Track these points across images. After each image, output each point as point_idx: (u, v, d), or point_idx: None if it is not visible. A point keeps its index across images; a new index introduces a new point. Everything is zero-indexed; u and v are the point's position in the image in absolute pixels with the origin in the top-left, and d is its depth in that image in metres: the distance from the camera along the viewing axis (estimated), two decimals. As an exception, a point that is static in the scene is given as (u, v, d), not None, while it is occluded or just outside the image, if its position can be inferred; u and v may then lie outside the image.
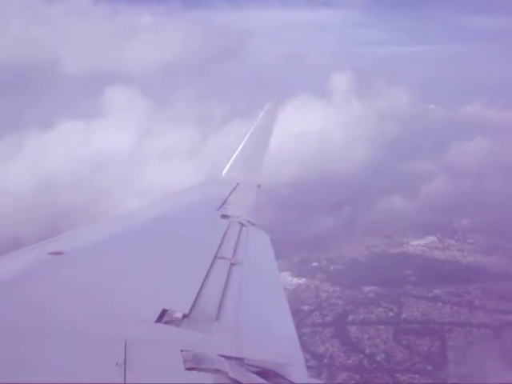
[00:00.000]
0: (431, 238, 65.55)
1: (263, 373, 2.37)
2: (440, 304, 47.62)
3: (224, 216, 5.79)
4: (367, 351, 40.76)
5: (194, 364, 2.19)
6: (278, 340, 3.28)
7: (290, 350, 3.13)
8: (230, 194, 7.03)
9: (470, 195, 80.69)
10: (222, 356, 2.35)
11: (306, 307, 50.00)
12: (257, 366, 2.40)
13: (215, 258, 4.17)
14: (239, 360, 2.40)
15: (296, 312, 48.81)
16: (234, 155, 8.98)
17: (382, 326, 44.60)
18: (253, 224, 5.87)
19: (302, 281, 56.34)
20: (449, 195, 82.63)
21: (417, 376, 36.73)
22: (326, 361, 39.88)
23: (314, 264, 61.12)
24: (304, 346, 41.82)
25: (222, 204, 6.42)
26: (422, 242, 64.84)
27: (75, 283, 3.16)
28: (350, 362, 39.44)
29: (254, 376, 2.32)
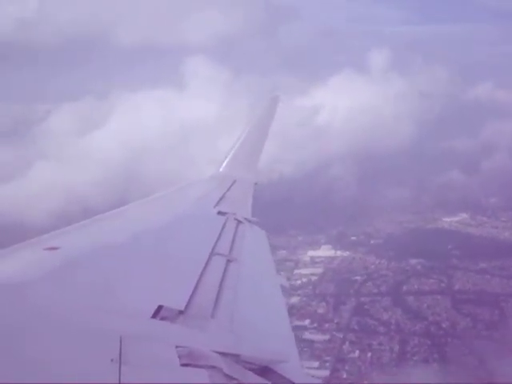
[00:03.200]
0: (463, 215, 67.64)
1: (258, 369, 2.41)
2: (488, 276, 49.69)
3: (221, 213, 5.83)
4: (431, 319, 42.83)
5: (189, 360, 2.21)
6: (274, 337, 3.35)
7: (286, 346, 3.22)
8: (227, 191, 7.09)
9: (495, 174, 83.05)
10: (218, 352, 2.36)
11: (358, 278, 51.97)
12: (252, 363, 2.42)
13: (212, 254, 4.19)
14: (234, 356, 2.41)
15: (350, 282, 50.91)
16: (232, 152, 9.01)
17: (439, 296, 46.58)
18: (249, 221, 5.95)
19: (347, 254, 58.14)
20: (474, 174, 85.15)
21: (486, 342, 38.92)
22: (393, 327, 42.01)
23: (353, 238, 62.93)
24: (368, 314, 44.04)
25: (219, 201, 6.48)
26: (454, 218, 66.88)
27: (70, 279, 3.15)
28: (417, 328, 41.41)
29: (249, 373, 2.34)
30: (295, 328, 42.41)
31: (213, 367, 2.19)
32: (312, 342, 40.34)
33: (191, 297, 3.16)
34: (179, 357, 2.21)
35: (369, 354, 38.13)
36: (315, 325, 42.99)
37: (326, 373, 36.47)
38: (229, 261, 4.20)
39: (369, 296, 47.76)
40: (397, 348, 38.88)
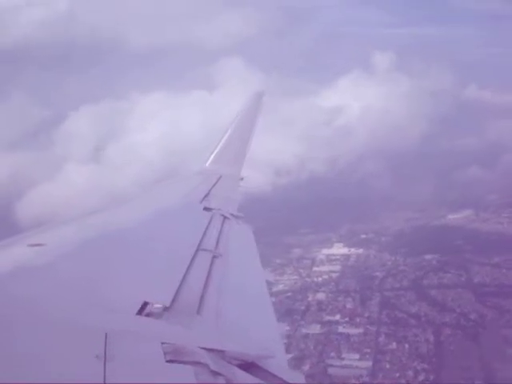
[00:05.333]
0: (467, 212, 69.46)
1: (244, 365, 2.40)
2: (504, 270, 51.18)
3: (207, 208, 5.79)
4: (458, 311, 44.14)
5: (175, 356, 2.20)
6: (260, 332, 3.32)
7: (271, 342, 3.19)
8: (213, 187, 7.05)
9: (494, 172, 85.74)
10: (203, 348, 2.36)
11: (377, 274, 53.08)
12: (238, 359, 2.42)
13: (197, 250, 4.16)
14: (220, 352, 2.41)
15: (370, 278, 51.97)
16: (218, 147, 8.97)
17: (460, 290, 48.06)
18: (235, 217, 5.93)
19: (360, 251, 59.22)
20: (474, 172, 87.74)
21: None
22: (423, 319, 43.20)
23: (363, 236, 64.08)
24: (395, 307, 45.15)
25: (205, 196, 6.43)
26: (458, 215, 68.73)
27: (55, 275, 3.12)
28: (448, 320, 42.69)
29: (235, 368, 2.34)
30: (328, 323, 43.42)
31: (199, 363, 2.19)
32: (348, 335, 41.26)
33: (177, 293, 3.14)
34: (165, 353, 2.21)
35: (406, 346, 39.11)
36: (346, 319, 43.86)
37: (368, 364, 37.41)
38: (214, 256, 4.20)
39: (392, 291, 48.86)
40: (432, 339, 39.99)
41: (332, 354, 38.86)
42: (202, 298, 3.26)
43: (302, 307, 46.44)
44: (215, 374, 2.16)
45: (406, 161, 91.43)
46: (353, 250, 59.50)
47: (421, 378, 35.49)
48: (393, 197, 76.60)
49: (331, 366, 37.27)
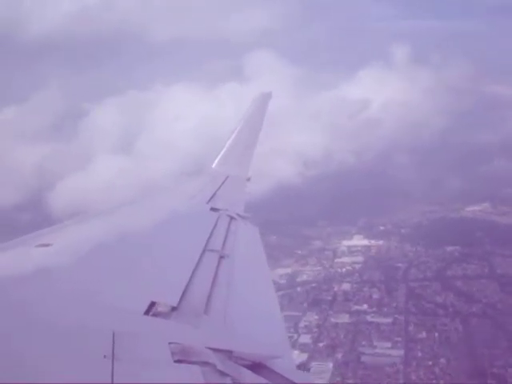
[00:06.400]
0: (484, 205, 69.75)
1: (251, 365, 2.41)
2: (528, 262, 51.76)
3: (214, 209, 5.84)
4: (484, 301, 44.56)
5: (182, 356, 2.21)
6: (267, 333, 3.33)
7: (279, 342, 3.22)
8: (219, 187, 7.10)
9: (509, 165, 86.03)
10: (211, 349, 2.37)
11: (400, 265, 53.47)
12: (245, 359, 2.43)
13: (204, 250, 4.18)
14: (227, 353, 2.41)
15: (394, 269, 52.34)
16: (224, 148, 9.06)
17: (484, 280, 48.50)
18: (242, 217, 5.96)
19: (381, 242, 59.62)
20: (492, 165, 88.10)
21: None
22: (450, 309, 43.66)
23: (381, 228, 64.48)
24: (422, 297, 45.58)
25: (212, 197, 6.47)
26: (476, 208, 69.01)
27: (62, 275, 3.13)
28: (474, 310, 43.15)
29: (242, 368, 2.35)
30: (356, 312, 43.93)
31: (206, 363, 2.21)
32: (377, 324, 41.71)
33: (184, 293, 3.17)
34: (172, 353, 2.23)
35: (436, 334, 39.56)
36: (374, 309, 44.28)
37: (400, 352, 37.88)
38: (221, 257, 4.23)
39: (416, 281, 49.23)
40: (461, 328, 40.44)
41: (363, 343, 39.29)
42: (209, 298, 3.29)
43: (329, 297, 46.88)
44: (222, 374, 2.19)
45: (424, 153, 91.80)
46: (373, 241, 59.85)
47: (453, 365, 35.92)
48: (410, 189, 76.96)
49: (364, 354, 37.69)
